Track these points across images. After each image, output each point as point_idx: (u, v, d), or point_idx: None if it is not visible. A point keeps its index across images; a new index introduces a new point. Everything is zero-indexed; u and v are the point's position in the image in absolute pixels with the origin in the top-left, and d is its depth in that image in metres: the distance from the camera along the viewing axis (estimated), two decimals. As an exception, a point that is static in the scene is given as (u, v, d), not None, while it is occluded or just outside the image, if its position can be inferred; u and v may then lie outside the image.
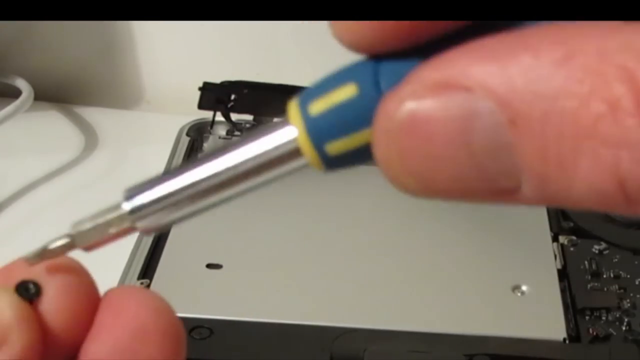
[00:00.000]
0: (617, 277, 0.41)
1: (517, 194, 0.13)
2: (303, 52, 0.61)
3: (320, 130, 0.14)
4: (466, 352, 0.36)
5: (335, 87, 0.14)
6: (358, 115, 0.14)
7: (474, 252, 0.42)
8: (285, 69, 0.61)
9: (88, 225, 0.17)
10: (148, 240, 0.43)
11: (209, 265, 0.41)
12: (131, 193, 0.17)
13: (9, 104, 0.55)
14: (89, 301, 0.17)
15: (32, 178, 0.52)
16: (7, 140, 0.56)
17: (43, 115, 0.60)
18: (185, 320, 0.38)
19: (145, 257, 0.42)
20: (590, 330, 0.38)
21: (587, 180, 0.12)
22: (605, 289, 0.40)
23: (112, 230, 0.16)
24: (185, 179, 0.16)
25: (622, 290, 0.40)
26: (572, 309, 0.39)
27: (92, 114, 0.61)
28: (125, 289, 0.18)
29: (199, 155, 0.14)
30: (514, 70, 0.12)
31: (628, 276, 0.41)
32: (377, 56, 0.14)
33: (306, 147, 0.14)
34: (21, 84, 0.58)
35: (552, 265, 0.42)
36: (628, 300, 0.40)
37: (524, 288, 0.40)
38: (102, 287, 0.42)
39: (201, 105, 0.51)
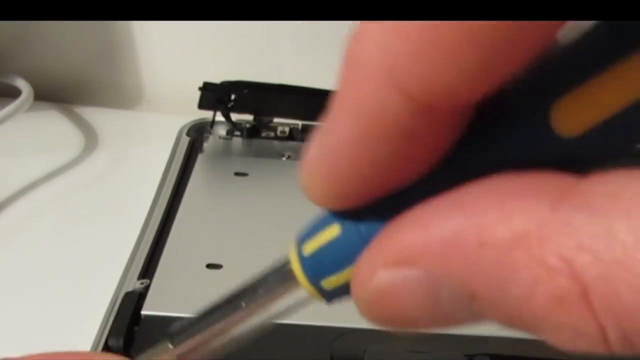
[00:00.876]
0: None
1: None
2: (303, 52, 0.61)
3: (313, 269, 0.16)
4: (466, 352, 0.36)
5: (323, 228, 0.16)
6: (343, 254, 0.15)
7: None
8: (285, 69, 0.61)
9: None
10: (148, 240, 0.43)
11: (209, 265, 0.41)
12: (176, 337, 0.18)
13: (9, 104, 0.55)
14: None
15: (32, 178, 0.52)
16: (7, 140, 0.56)
17: (43, 115, 0.60)
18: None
19: (145, 257, 0.42)
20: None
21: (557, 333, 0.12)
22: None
23: None
24: (217, 324, 0.18)
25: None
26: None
27: (92, 114, 0.61)
28: None
29: (222, 299, 0.16)
30: (463, 251, 0.13)
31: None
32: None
33: (305, 284, 0.16)
34: (21, 84, 0.58)
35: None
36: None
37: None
38: (102, 287, 0.42)
39: (201, 105, 0.51)
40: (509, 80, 0.13)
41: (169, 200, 0.46)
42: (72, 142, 0.57)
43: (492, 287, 0.12)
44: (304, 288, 0.16)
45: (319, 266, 0.16)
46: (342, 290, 0.16)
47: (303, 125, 0.53)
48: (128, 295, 0.38)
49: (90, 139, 0.58)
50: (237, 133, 0.53)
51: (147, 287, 0.39)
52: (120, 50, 0.62)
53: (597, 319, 0.12)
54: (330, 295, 0.16)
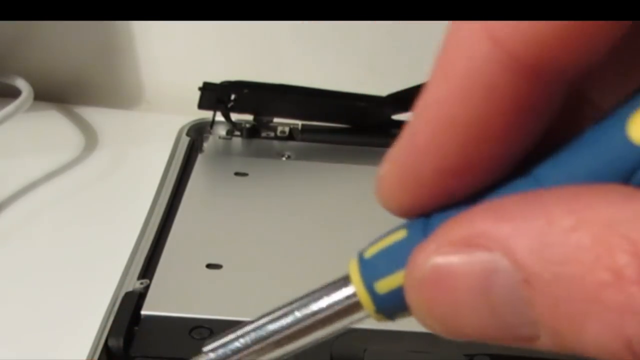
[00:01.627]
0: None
1: (536, 342, 0.14)
2: (303, 52, 0.61)
3: (369, 269, 0.16)
4: (466, 352, 0.36)
5: (389, 233, 0.16)
6: (402, 255, 0.15)
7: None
8: (285, 69, 0.61)
9: None
10: (148, 240, 0.43)
11: (209, 265, 0.41)
12: (213, 350, 0.18)
13: (9, 104, 0.55)
14: None
15: (32, 178, 0.52)
16: (7, 140, 0.56)
17: (43, 115, 0.60)
18: (185, 320, 0.38)
19: (145, 257, 0.42)
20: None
21: (596, 339, 0.13)
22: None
23: None
24: (258, 335, 0.17)
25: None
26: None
27: (92, 114, 0.61)
28: None
29: (267, 313, 0.16)
30: (530, 235, 0.13)
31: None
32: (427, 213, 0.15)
33: (357, 282, 0.16)
34: (21, 84, 0.58)
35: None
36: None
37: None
38: (102, 287, 0.42)
39: (201, 105, 0.51)
40: (603, 52, 0.13)
41: (169, 200, 0.46)
42: (72, 142, 0.57)
43: (550, 266, 0.13)
44: (354, 287, 0.16)
45: (376, 267, 0.16)
46: (394, 296, 0.15)
47: (303, 125, 0.53)
48: (128, 295, 0.38)
49: (90, 139, 0.58)
50: (237, 133, 0.53)
51: (147, 287, 0.39)
52: (120, 50, 0.62)
53: None
54: (381, 301, 0.16)
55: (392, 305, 0.16)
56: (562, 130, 0.14)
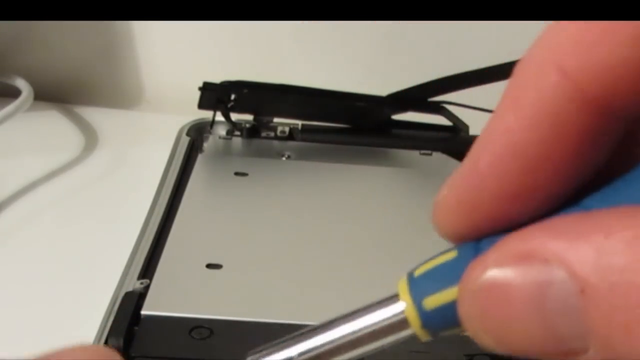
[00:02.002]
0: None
1: (585, 355, 0.14)
2: (303, 52, 0.61)
3: (419, 286, 0.16)
4: (466, 352, 0.36)
5: (439, 255, 0.16)
6: (453, 272, 0.16)
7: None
8: (285, 69, 0.61)
9: None
10: (148, 240, 0.43)
11: (209, 265, 0.41)
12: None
13: (9, 104, 0.55)
14: None
15: (32, 178, 0.52)
16: (7, 140, 0.56)
17: (43, 115, 0.60)
18: (185, 320, 0.38)
19: (145, 257, 0.42)
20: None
21: None
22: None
23: None
24: (303, 347, 0.18)
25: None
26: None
27: (92, 114, 0.61)
28: None
29: (313, 327, 0.16)
30: (587, 247, 0.13)
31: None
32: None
33: (405, 296, 0.16)
34: (21, 84, 0.58)
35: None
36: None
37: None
38: (102, 286, 0.42)
39: (201, 105, 0.51)
40: None
41: (169, 200, 0.46)
42: (72, 142, 0.57)
43: (607, 276, 0.13)
44: (403, 303, 0.16)
45: (425, 284, 0.16)
46: (441, 313, 0.16)
47: (303, 125, 0.53)
48: (128, 295, 0.38)
49: (90, 139, 0.58)
50: (237, 133, 0.53)
51: (147, 287, 0.39)
52: (120, 50, 0.62)
53: None
54: (428, 317, 0.16)
55: (439, 321, 0.16)
56: (614, 164, 0.15)
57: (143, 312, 0.37)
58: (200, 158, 0.50)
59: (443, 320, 0.16)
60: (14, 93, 0.57)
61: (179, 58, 0.62)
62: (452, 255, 0.16)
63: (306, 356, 0.17)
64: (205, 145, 0.52)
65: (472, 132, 0.52)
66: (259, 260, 0.41)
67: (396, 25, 0.59)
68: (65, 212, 0.49)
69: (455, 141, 0.52)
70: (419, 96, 0.52)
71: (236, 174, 0.49)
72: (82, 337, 0.37)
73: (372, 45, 0.60)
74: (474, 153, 0.15)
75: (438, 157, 0.52)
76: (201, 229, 0.44)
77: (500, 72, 0.48)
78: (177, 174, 0.49)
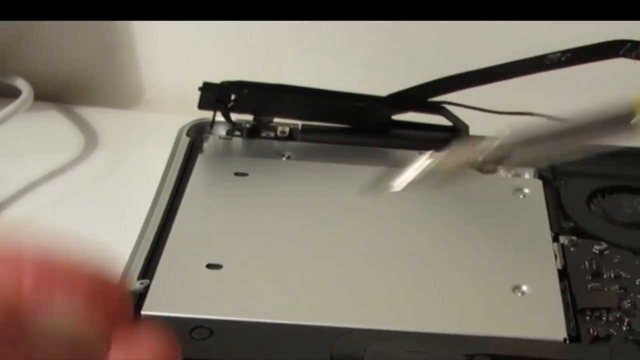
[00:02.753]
0: (617, 277, 0.41)
1: None
2: (303, 52, 0.61)
3: None
4: (466, 352, 0.36)
5: None
6: None
7: (474, 252, 0.42)
8: (285, 69, 0.61)
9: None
10: (148, 240, 0.43)
11: (209, 265, 0.41)
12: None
13: (9, 104, 0.55)
14: None
15: (32, 178, 0.52)
16: (7, 140, 0.56)
17: (43, 115, 0.60)
18: (185, 320, 0.38)
19: (145, 257, 0.42)
20: (591, 331, 0.38)
21: None
22: (606, 289, 0.40)
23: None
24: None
25: (622, 291, 0.40)
26: (573, 309, 0.39)
27: (92, 114, 0.61)
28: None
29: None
30: None
31: (628, 276, 0.41)
32: None
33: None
34: (21, 84, 0.58)
35: (552, 266, 0.42)
36: (628, 301, 0.40)
37: (524, 288, 0.40)
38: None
39: (201, 105, 0.51)
40: None
41: (169, 200, 0.46)
42: (72, 142, 0.57)
43: None
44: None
45: None
46: None
47: (303, 125, 0.53)
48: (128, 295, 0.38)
49: (90, 139, 0.58)
50: (237, 133, 0.53)
51: (147, 287, 0.39)
52: (120, 50, 0.62)
53: None
54: None
55: None
56: None
57: (143, 312, 0.37)
58: (200, 158, 0.50)
59: None
60: (14, 93, 0.57)
61: (179, 58, 0.62)
62: None
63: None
64: (205, 145, 0.52)
65: (472, 132, 0.52)
66: (259, 260, 0.41)
67: (396, 25, 0.59)
68: (65, 212, 0.49)
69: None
70: (419, 96, 0.52)
71: (236, 174, 0.49)
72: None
73: (372, 45, 0.60)
74: None
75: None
76: (201, 229, 0.44)
77: (500, 72, 0.48)
78: (177, 174, 0.49)
